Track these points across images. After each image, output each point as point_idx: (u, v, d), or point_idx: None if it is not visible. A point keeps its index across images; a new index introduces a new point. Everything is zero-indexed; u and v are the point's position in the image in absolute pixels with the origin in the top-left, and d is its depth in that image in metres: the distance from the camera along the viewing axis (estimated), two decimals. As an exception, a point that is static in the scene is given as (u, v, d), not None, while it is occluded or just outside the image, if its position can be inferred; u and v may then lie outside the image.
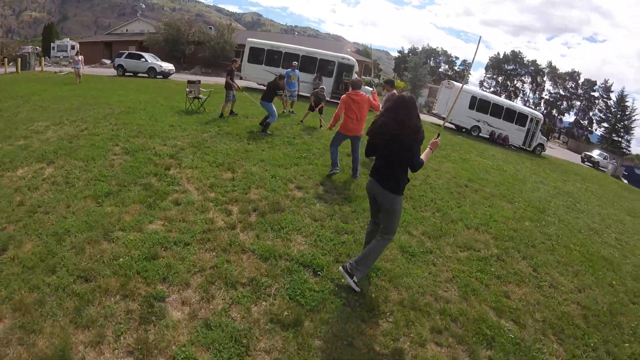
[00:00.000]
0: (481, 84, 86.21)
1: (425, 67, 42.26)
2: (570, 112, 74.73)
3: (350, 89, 7.20)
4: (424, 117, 21.47)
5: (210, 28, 36.88)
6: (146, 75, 23.72)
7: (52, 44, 46.70)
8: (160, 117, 10.21)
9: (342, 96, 7.23)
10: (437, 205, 6.87)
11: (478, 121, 21.85)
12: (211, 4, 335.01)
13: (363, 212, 5.85)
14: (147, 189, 5.81)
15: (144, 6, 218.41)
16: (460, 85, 24.95)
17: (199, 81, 12.51)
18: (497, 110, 21.98)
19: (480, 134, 21.98)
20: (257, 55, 21.44)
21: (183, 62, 33.65)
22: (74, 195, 5.48)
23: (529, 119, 22.54)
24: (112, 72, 26.89)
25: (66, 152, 7.20)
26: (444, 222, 6.21)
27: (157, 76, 23.53)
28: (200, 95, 11.96)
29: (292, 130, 10.87)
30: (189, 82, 12.03)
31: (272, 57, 21.48)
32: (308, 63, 21.51)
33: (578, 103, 73.68)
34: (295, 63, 14.86)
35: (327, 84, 20.08)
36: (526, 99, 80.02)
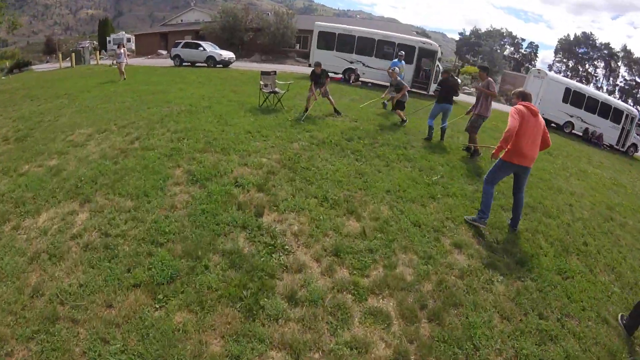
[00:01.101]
0: (550, 68, 78.36)
1: (501, 51, 37.68)
2: (648, 102, 65.78)
3: (520, 100, 4.63)
4: (503, 109, 18.02)
5: (268, 14, 34.71)
6: (205, 65, 21.75)
7: (107, 38, 46.74)
8: (231, 119, 7.79)
9: (516, 107, 4.46)
10: (605, 260, 4.76)
11: (571, 116, 18.38)
12: None
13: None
14: (237, 266, 3.36)
15: None
16: (554, 75, 21.14)
17: (275, 72, 9.98)
18: (592, 105, 18.77)
19: (573, 131, 18.40)
20: (328, 41, 18.69)
21: (241, 50, 31.75)
22: (116, 280, 3.12)
23: (624, 116, 19.20)
24: (169, 62, 25.34)
25: (109, 180, 4.94)
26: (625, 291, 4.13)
27: (217, 65, 21.44)
28: (277, 89, 9.50)
29: (395, 134, 8.12)
30: (263, 73, 9.58)
31: (343, 42, 18.64)
32: (384, 48, 18.53)
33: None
34: (402, 53, 12.06)
35: (407, 71, 17.02)
36: (599, 85, 71.57)
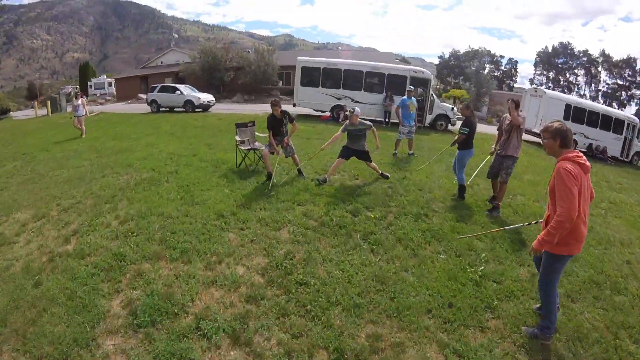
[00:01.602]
0: (531, 82, 79.08)
1: (486, 71, 37.25)
2: (632, 103, 66.29)
3: (564, 149, 3.04)
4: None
5: (248, 51, 33.80)
6: (183, 109, 20.46)
7: (89, 83, 45.60)
8: (200, 193, 6.19)
9: (567, 167, 2.89)
10: None
11: (575, 133, 17.29)
12: (243, 30, 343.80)
13: None
14: None
15: (176, 36, 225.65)
16: (552, 92, 20.17)
17: (253, 123, 8.28)
18: (593, 119, 18.32)
19: (577, 148, 17.39)
20: (312, 76, 17.44)
21: (222, 91, 30.57)
22: None
23: (625, 125, 18.92)
24: (148, 108, 24.01)
25: (20, 324, 3.32)
26: None
27: (196, 110, 20.08)
28: (257, 144, 7.88)
29: (408, 193, 6.60)
30: (239, 125, 7.92)
31: (329, 77, 17.40)
32: (373, 80, 17.37)
33: (639, 92, 65.31)
34: (411, 88, 10.64)
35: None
36: (582, 93, 72.14)
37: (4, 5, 14.32)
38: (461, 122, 6.49)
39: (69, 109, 27.75)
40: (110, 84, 44.76)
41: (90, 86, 44.78)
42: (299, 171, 7.16)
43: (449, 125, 17.35)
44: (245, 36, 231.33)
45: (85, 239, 4.82)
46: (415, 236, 4.97)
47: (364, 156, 6.95)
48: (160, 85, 22.06)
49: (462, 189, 6.49)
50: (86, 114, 13.99)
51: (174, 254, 4.30)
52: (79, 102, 13.61)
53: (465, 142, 6.27)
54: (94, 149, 10.60)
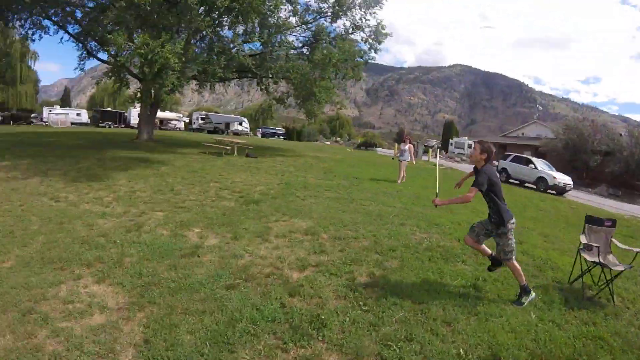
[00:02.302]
0: None
1: None
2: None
3: None
4: None
5: (621, 134, 27.98)
6: (534, 186, 18.62)
7: (450, 140, 50.76)
8: (497, 309, 4.03)
9: None
10: None
11: None
12: (616, 113, 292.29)
13: None
14: None
15: (540, 108, 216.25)
16: None
17: (613, 223, 5.04)
18: None
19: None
20: None
21: (585, 177, 26.76)
22: None
23: None
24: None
25: None
26: None
27: (548, 190, 17.89)
28: (611, 259, 4.76)
29: None
30: (589, 221, 5.00)
31: None
32: None
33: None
34: None
35: None
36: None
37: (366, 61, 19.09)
38: None
39: (424, 158, 31.79)
40: (470, 146, 48.12)
41: (451, 144, 49.48)
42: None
43: None
44: (618, 120, 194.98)
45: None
46: None
47: None
48: (514, 154, 21.44)
49: None
50: (412, 160, 13.76)
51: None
52: (406, 147, 13.10)
53: None
54: (396, 196, 10.11)
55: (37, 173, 9.96)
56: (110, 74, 18.35)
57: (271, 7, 15.99)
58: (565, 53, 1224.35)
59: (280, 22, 18.37)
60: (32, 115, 51.29)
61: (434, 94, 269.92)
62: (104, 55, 19.69)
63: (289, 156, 18.73)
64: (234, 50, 16.91)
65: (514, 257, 4.09)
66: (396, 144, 36.13)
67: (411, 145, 13.70)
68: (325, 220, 6.72)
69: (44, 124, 42.80)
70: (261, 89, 21.78)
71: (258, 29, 17.36)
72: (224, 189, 9.28)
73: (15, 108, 45.65)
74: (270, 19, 17.23)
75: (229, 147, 16.72)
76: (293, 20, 19.83)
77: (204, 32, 15.58)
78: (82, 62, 19.31)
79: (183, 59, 13.77)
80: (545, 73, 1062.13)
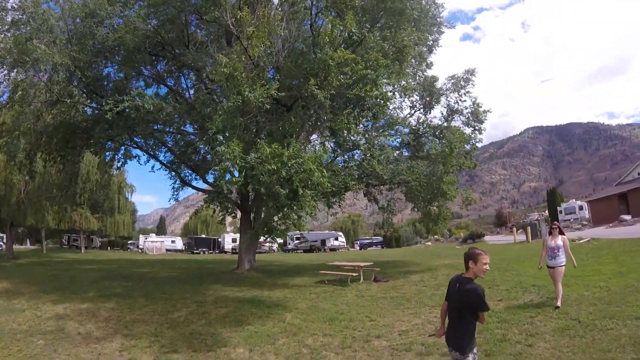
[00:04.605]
0: None
1: None
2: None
3: None
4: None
5: None
6: None
7: (558, 208, 45.06)
8: None
9: None
10: None
11: None
12: None
13: None
14: None
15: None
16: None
17: None
18: None
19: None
20: None
21: None
22: None
23: None
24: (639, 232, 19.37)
25: None
26: None
27: None
28: None
29: None
30: None
31: None
32: None
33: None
34: None
35: None
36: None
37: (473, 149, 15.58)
38: None
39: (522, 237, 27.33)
40: (581, 208, 42.34)
41: (561, 212, 44.15)
42: None
43: None
44: None
45: None
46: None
47: None
48: None
49: None
50: (572, 261, 8.21)
51: None
52: (559, 242, 8.11)
53: None
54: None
55: (117, 329, 7.80)
56: (211, 201, 17.84)
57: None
58: (627, 75, 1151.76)
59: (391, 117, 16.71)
60: (129, 242, 54.95)
61: (513, 166, 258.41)
62: (198, 183, 19.22)
63: (419, 272, 15.20)
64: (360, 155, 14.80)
65: None
66: (514, 228, 31.88)
67: (565, 238, 8.04)
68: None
69: (139, 250, 45.13)
70: (369, 200, 19.69)
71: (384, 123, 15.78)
72: (399, 348, 6.32)
73: (114, 235, 49.02)
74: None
75: (354, 274, 13.57)
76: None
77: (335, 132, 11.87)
78: (176, 192, 19.12)
79: (324, 171, 10.11)
80: (615, 104, 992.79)
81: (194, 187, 19.67)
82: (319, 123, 11.66)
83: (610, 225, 30.16)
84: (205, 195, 19.65)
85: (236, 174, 10.11)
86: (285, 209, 9.86)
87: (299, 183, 9.06)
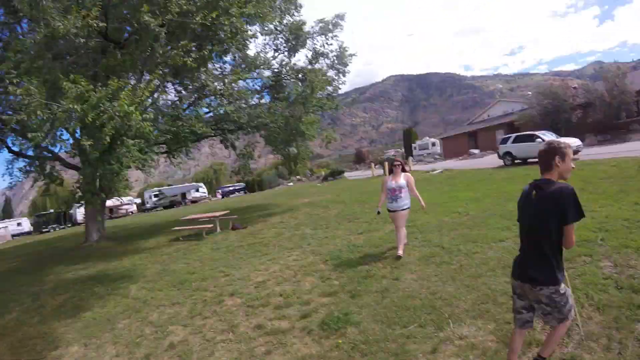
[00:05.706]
0: None
1: None
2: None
3: None
4: None
5: (574, 87, 27.95)
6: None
7: (412, 145, 49.70)
8: None
9: None
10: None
11: None
12: (547, 71, 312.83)
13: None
14: None
15: (500, 86, 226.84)
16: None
17: None
18: None
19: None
20: None
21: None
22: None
23: None
24: (487, 162, 22.14)
25: None
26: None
27: None
28: None
29: None
30: None
31: None
32: None
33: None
34: None
35: None
36: None
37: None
38: None
39: (380, 171, 29.72)
40: (434, 144, 47.16)
41: (415, 148, 48.63)
42: None
43: None
44: (550, 76, 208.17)
45: None
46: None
47: None
48: (514, 135, 19.95)
49: None
50: (421, 202, 8.67)
51: None
52: (402, 180, 6.87)
53: None
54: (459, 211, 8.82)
55: None
56: (33, 170, 13.23)
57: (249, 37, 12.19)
58: (487, 34, 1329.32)
59: (252, 59, 15.26)
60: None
61: (373, 110, 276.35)
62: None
63: (280, 213, 15.29)
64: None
65: None
66: (372, 164, 32.94)
67: (410, 176, 6.66)
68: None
69: (-22, 244, 36.69)
70: (226, 147, 18.25)
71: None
72: (254, 304, 5.56)
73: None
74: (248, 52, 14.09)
75: (210, 225, 12.92)
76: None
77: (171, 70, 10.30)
78: (10, 165, 14.09)
79: (151, 115, 8.61)
80: (472, 59, 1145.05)
81: (23, 155, 14.09)
82: (154, 59, 9.20)
83: (460, 158, 33.66)
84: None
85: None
86: (106, 165, 7.92)
87: (111, 131, 7.32)
